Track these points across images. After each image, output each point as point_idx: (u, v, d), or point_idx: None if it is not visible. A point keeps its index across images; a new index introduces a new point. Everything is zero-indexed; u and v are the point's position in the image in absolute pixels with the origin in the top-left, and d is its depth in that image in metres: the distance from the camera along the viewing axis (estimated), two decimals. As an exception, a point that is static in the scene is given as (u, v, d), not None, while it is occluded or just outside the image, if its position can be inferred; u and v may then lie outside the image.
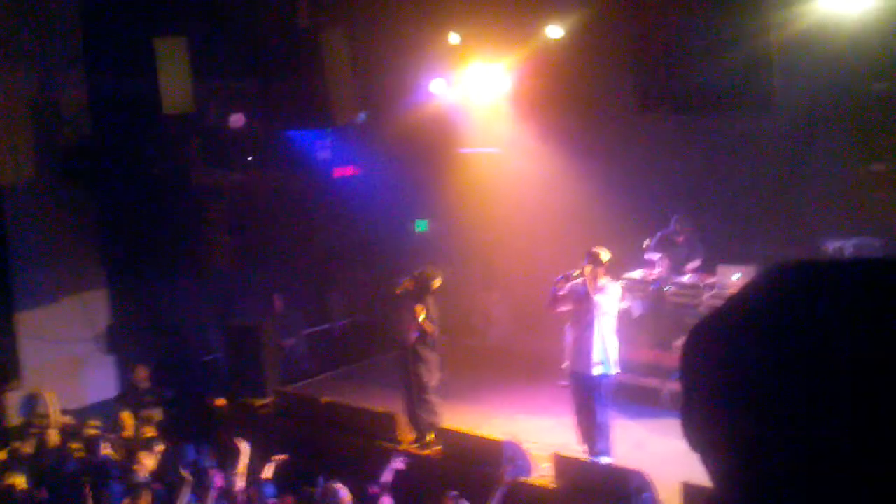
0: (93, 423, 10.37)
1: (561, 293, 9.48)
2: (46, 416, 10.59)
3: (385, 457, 9.57)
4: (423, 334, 10.08)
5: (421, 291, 10.11)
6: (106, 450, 9.71)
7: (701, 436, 1.18)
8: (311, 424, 10.96)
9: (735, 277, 11.08)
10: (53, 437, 10.11)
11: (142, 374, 12.03)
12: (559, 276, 9.52)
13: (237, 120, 13.22)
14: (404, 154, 14.37)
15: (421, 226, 15.15)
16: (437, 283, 10.16)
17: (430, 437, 10.18)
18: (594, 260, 9.37)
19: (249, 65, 13.02)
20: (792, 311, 1.10)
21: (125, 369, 12.75)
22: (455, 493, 8.45)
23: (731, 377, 1.11)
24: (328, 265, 14.97)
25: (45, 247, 12.33)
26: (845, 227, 11.45)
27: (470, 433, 10.07)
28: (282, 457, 9.25)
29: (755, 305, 1.14)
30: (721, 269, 11.21)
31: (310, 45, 12.77)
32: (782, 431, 1.06)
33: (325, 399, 11.22)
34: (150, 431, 10.33)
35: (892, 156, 11.49)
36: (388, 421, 10.48)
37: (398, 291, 10.20)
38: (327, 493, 8.43)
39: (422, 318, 10.01)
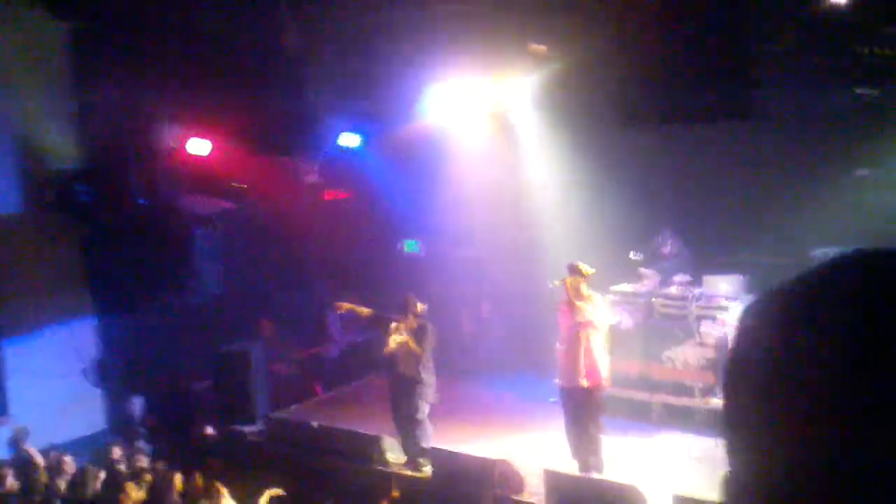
0: (78, 459, 10.28)
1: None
2: (32, 458, 10.47)
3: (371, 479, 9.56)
4: (414, 358, 9.98)
5: (407, 316, 10.05)
6: (95, 485, 9.63)
7: (748, 427, 1.09)
8: (301, 449, 10.89)
9: (722, 287, 11.08)
10: (41, 475, 10.02)
11: (138, 406, 11.96)
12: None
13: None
14: (394, 174, 14.39)
15: (411, 246, 15.15)
16: (420, 307, 10.08)
17: (422, 459, 10.10)
18: (574, 272, 9.40)
19: (237, 89, 13.02)
20: (864, 300, 1.04)
21: (115, 401, 12.68)
22: None
23: (794, 364, 1.04)
24: (321, 288, 14.92)
25: (32, 279, 12.28)
26: (831, 234, 11.42)
27: (460, 453, 10.01)
28: (277, 491, 9.10)
29: (825, 292, 1.07)
30: (708, 279, 11.18)
31: (297, 67, 12.78)
32: (849, 426, 0.99)
33: (314, 423, 11.16)
34: (141, 463, 10.26)
35: (876, 162, 11.50)
36: (377, 444, 10.41)
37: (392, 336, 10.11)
38: None
39: (400, 339, 9.94)
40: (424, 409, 10.07)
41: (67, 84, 12.76)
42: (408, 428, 10.12)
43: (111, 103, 12.54)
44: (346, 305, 10.30)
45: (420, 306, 9.99)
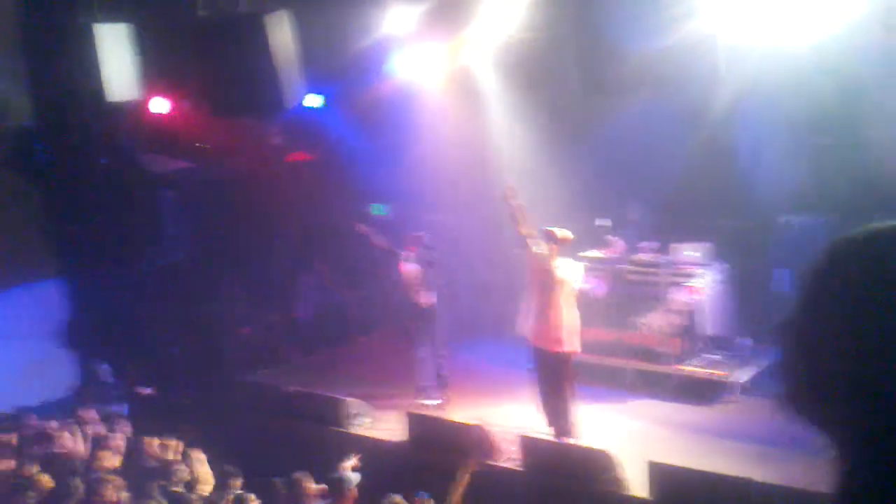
0: (53, 422, 10.16)
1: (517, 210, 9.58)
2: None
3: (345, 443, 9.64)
4: (419, 284, 10.97)
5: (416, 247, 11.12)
6: (67, 447, 9.55)
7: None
8: (271, 414, 10.90)
9: (688, 254, 11.23)
10: (13, 437, 9.89)
11: (105, 369, 11.84)
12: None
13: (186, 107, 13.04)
14: (360, 137, 14.29)
15: (379, 209, 15.04)
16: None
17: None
18: (551, 238, 9.46)
19: (195, 50, 12.80)
20: None
21: (85, 364, 12.53)
22: (425, 494, 8.36)
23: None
24: (289, 252, 14.81)
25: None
26: (795, 202, 11.61)
27: (439, 418, 10.11)
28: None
29: None
30: (676, 247, 11.32)
31: (254, 29, 12.59)
32: None
33: (285, 388, 11.16)
34: (115, 427, 10.19)
35: (837, 130, 11.66)
36: (349, 408, 10.46)
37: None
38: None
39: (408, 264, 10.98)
40: (421, 348, 10.94)
41: (21, 42, 12.42)
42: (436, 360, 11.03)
43: (68, 61, 12.25)
44: (365, 228, 11.54)
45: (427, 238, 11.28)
